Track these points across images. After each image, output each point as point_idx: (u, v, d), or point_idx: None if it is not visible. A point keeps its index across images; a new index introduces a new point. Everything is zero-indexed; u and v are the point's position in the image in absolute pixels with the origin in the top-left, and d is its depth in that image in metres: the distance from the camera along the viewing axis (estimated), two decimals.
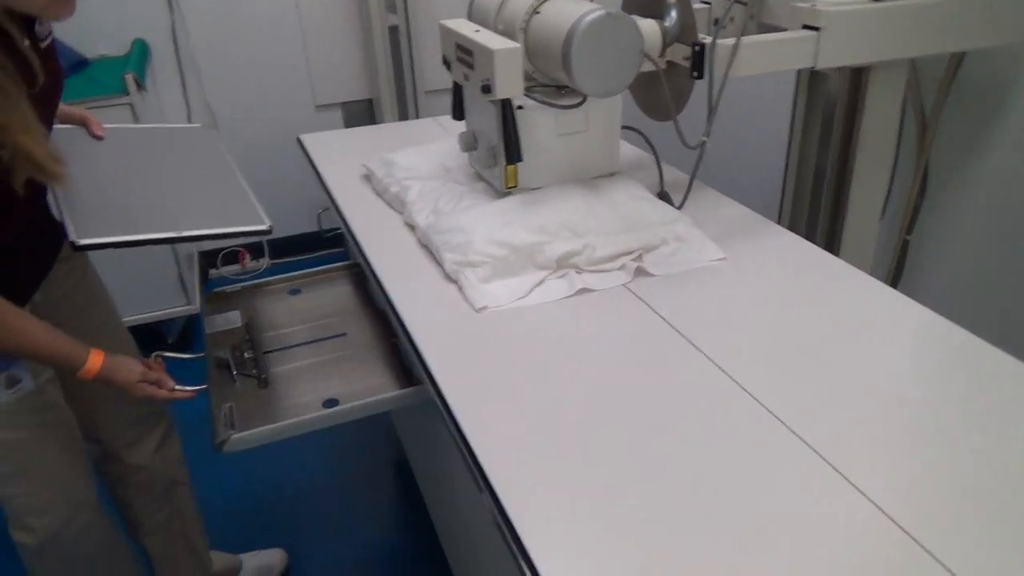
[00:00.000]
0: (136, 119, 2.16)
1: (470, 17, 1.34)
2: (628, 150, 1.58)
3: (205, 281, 2.98)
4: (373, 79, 2.84)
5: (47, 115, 1.05)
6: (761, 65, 1.25)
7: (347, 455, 2.13)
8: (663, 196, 1.35)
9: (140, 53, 2.48)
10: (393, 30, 2.69)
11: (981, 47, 1.47)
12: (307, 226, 3.08)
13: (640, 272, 1.18)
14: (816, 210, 1.59)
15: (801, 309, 1.10)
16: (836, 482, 0.78)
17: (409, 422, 1.75)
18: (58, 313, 1.20)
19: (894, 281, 1.80)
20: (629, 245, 1.19)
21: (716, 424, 0.88)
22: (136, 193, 1.17)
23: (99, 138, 1.25)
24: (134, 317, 2.29)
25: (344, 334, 1.34)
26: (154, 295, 2.39)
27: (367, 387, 1.21)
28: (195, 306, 2.50)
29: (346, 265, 1.57)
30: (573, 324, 1.08)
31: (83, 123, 1.26)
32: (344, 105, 2.97)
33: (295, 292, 1.49)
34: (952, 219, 1.70)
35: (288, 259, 3.10)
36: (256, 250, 3.06)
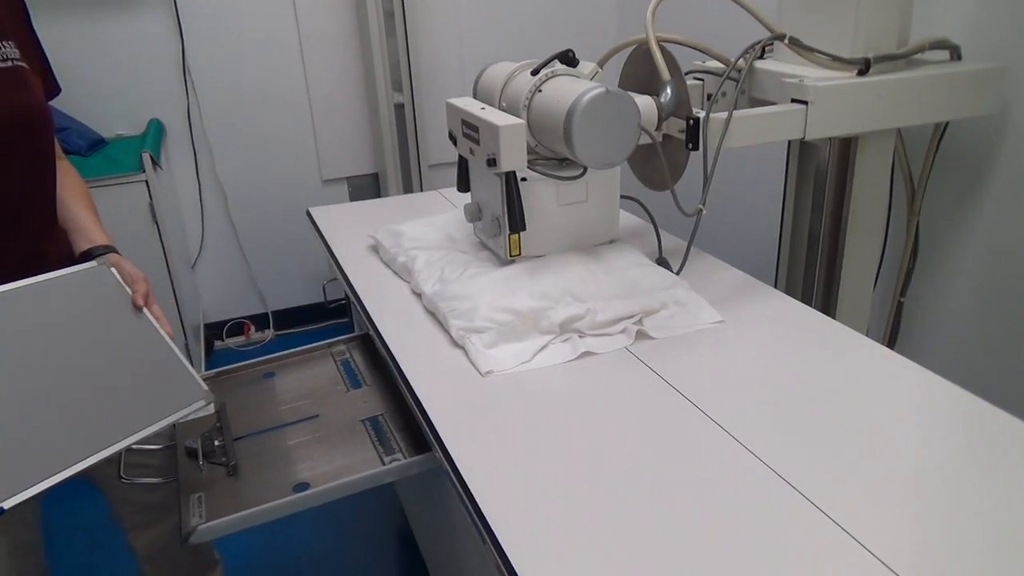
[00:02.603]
0: (151, 196, 2.24)
1: (475, 95, 1.41)
2: (627, 219, 1.63)
3: (210, 352, 3.00)
4: (379, 154, 2.93)
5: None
6: (752, 136, 1.31)
7: (352, 524, 2.12)
8: (662, 262, 1.39)
9: (156, 132, 2.57)
10: (399, 107, 2.79)
11: (961, 118, 1.54)
12: (311, 297, 3.13)
13: (641, 335, 1.21)
14: (811, 274, 1.63)
15: (799, 369, 1.12)
16: (841, 540, 0.80)
17: (411, 489, 1.75)
18: None
19: (890, 342, 1.83)
20: (630, 309, 1.23)
21: (717, 481, 0.90)
22: (41, 402, 0.93)
23: None
24: None
25: (317, 416, 1.34)
26: None
27: (338, 468, 1.20)
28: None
29: (319, 346, 1.58)
30: (576, 386, 1.11)
31: None
32: (350, 179, 3.06)
33: (269, 376, 1.48)
34: (944, 280, 1.74)
35: (292, 330, 3.14)
36: (261, 321, 3.11)
